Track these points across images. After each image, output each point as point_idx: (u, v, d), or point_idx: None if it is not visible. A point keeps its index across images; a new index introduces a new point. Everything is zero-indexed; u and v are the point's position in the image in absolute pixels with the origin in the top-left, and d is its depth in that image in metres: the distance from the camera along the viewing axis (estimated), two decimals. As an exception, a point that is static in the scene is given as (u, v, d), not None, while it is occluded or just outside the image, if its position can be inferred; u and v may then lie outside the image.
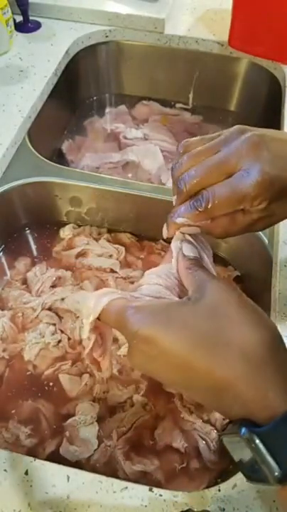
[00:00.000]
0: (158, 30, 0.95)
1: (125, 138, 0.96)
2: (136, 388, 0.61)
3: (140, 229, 0.79)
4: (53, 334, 0.65)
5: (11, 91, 0.81)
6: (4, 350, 0.64)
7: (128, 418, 0.58)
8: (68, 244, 0.77)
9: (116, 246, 0.76)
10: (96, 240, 0.78)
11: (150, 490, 0.43)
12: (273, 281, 0.60)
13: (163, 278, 0.37)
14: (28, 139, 0.77)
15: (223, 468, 0.55)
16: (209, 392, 0.31)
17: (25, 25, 0.93)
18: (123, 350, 0.62)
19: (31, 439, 0.57)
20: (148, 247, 0.78)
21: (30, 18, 0.94)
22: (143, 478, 0.53)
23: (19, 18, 0.92)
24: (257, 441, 0.28)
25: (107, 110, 1.05)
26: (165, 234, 0.40)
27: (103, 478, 0.44)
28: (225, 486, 0.43)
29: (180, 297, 0.36)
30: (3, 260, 0.76)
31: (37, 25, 0.94)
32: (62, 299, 0.68)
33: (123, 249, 0.76)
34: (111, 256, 0.75)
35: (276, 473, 0.27)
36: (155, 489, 0.43)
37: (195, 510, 0.40)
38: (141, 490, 0.43)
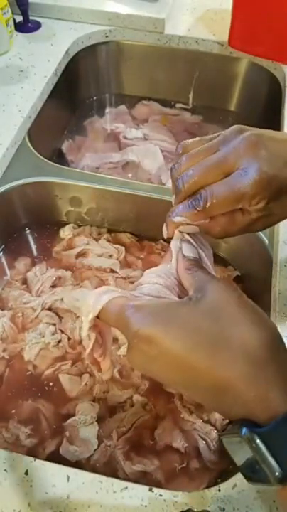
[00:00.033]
0: (158, 30, 0.95)
1: (125, 138, 0.96)
2: (136, 388, 0.61)
3: (140, 229, 0.79)
4: (53, 334, 0.65)
5: (11, 91, 0.81)
6: (4, 350, 0.64)
7: (128, 418, 0.57)
8: (68, 244, 0.77)
9: (116, 246, 0.76)
10: (96, 240, 0.78)
11: (150, 490, 0.43)
12: (273, 281, 0.60)
13: (162, 277, 0.37)
14: (28, 139, 0.77)
15: (223, 468, 0.55)
16: (209, 392, 0.31)
17: (25, 25, 0.94)
18: (123, 350, 0.62)
19: (31, 439, 0.57)
20: (148, 247, 0.78)
21: (30, 18, 0.94)
22: (143, 478, 0.53)
23: (19, 18, 0.93)
24: (258, 441, 0.28)
25: (107, 110, 1.05)
26: (165, 234, 0.40)
27: (103, 478, 0.44)
28: (225, 486, 0.43)
29: (179, 297, 0.36)
30: (3, 260, 0.76)
31: (37, 25, 0.94)
32: (62, 299, 0.68)
33: (123, 249, 0.76)
34: (111, 256, 0.75)
35: (277, 473, 0.27)
36: (155, 489, 0.43)
37: (195, 510, 0.40)
38: (141, 490, 0.43)
